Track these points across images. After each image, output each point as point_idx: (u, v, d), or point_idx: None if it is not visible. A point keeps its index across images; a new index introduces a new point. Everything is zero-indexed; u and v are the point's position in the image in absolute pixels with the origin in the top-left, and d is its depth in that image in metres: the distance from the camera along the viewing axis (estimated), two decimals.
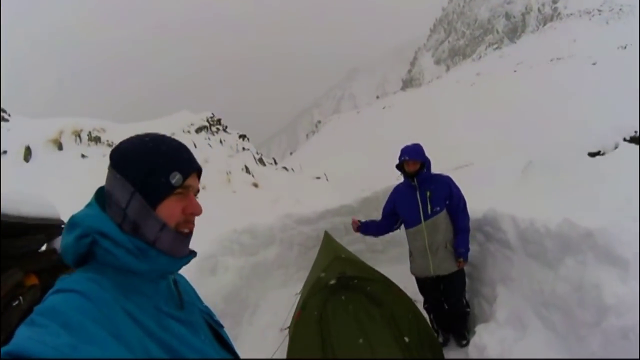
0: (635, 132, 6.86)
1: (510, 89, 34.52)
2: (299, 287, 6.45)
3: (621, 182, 4.29)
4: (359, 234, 7.68)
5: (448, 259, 4.90)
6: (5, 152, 9.86)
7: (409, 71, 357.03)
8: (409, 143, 5.11)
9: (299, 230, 8.74)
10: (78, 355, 0.91)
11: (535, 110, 22.63)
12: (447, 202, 4.92)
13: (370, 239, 8.40)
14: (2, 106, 12.22)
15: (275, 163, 23.87)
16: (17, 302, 2.92)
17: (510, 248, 4.53)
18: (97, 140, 12.44)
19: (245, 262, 7.54)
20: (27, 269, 3.10)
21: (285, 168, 22.31)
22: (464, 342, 5.09)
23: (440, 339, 5.28)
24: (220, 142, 19.87)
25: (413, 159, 4.85)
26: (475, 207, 5.27)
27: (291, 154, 69.88)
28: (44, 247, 3.42)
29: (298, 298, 5.85)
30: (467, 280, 5.32)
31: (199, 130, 19.47)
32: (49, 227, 3.19)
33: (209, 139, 19.10)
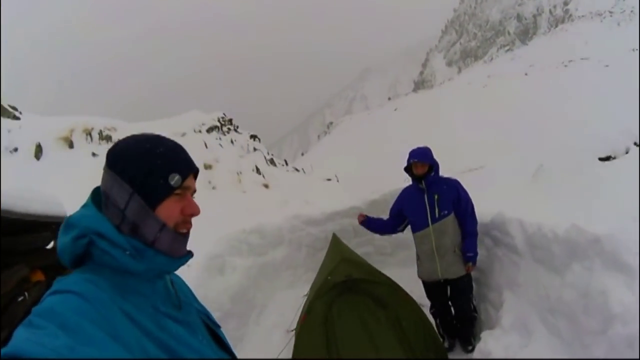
0: None
1: (521, 92, 34.28)
2: (306, 288, 6.45)
3: (631, 187, 4.24)
4: (367, 237, 7.69)
5: (456, 263, 4.86)
6: (16, 149, 9.93)
7: (421, 73, 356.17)
8: (418, 145, 5.11)
9: (308, 232, 8.73)
10: (76, 356, 0.91)
11: (547, 114, 22.45)
12: (455, 206, 4.89)
13: (379, 241, 8.39)
14: (5, 105, 12.29)
15: (286, 164, 23.88)
16: (22, 297, 2.95)
17: (517, 253, 4.49)
18: (108, 139, 12.51)
19: (253, 262, 7.55)
20: (33, 265, 3.14)
21: (296, 169, 22.31)
22: (470, 347, 5.06)
23: (446, 344, 5.25)
24: (232, 142, 19.88)
25: (421, 162, 4.83)
26: (483, 211, 5.24)
27: (302, 154, 69.86)
28: (51, 244, 3.45)
29: (305, 300, 5.85)
30: (474, 285, 5.29)
31: (210, 130, 19.48)
32: (56, 225, 3.21)
33: (220, 138, 19.11)
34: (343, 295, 4.90)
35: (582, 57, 45.78)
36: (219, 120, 21.27)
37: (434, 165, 4.90)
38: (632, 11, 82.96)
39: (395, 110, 57.46)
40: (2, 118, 11.58)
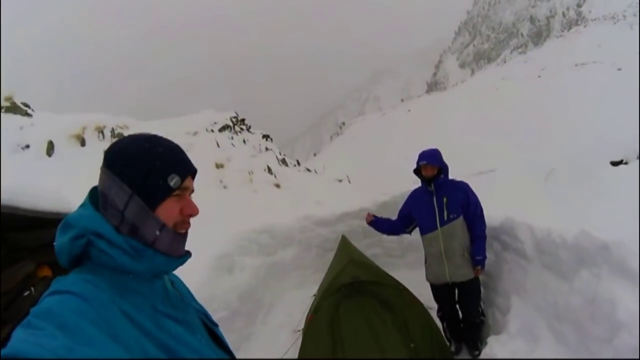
0: None
1: (534, 95, 33.94)
2: (315, 289, 6.46)
3: None
4: (376, 238, 7.69)
5: (464, 266, 4.84)
6: (28, 146, 9.98)
7: (434, 74, 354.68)
8: (430, 147, 5.09)
9: (318, 232, 8.75)
10: (75, 356, 0.91)
11: (559, 117, 22.24)
12: (464, 209, 4.87)
13: (388, 243, 8.39)
14: (17, 102, 12.36)
15: (298, 164, 23.81)
16: (28, 292, 2.97)
17: (526, 258, 4.46)
18: (120, 137, 12.54)
19: (263, 262, 7.58)
20: (40, 261, 3.18)
21: (307, 169, 22.23)
22: (476, 352, 5.03)
23: (453, 348, 5.24)
24: (244, 141, 19.85)
25: (431, 164, 4.82)
26: (493, 215, 5.21)
27: (315, 155, 69.76)
28: None
29: (312, 300, 5.85)
30: (482, 289, 5.27)
31: (222, 129, 19.47)
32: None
33: (232, 138, 19.08)
34: (350, 296, 4.91)
35: (594, 60, 45.35)
36: (231, 120, 21.25)
37: (443, 168, 4.88)
38: None
39: (408, 111, 57.17)
40: (14, 115, 11.63)
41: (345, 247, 6.35)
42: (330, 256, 6.75)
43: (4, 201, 2.69)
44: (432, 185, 4.88)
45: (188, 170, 1.39)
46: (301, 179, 17.83)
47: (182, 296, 1.48)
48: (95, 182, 1.35)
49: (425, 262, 5.19)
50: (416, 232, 5.37)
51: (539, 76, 46.24)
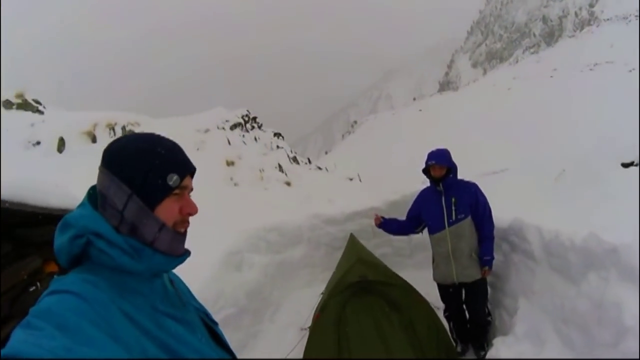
0: None
1: (546, 95, 33.83)
2: (323, 287, 6.44)
3: None
4: (386, 237, 7.67)
5: (471, 267, 4.81)
6: (39, 142, 10.04)
7: (446, 73, 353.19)
8: (442, 147, 5.07)
9: (327, 231, 8.73)
10: (74, 356, 0.91)
11: (571, 117, 22.13)
12: (473, 209, 4.83)
13: (397, 242, 8.36)
14: (29, 99, 12.47)
15: (310, 162, 23.81)
16: (34, 288, 3.00)
17: (534, 260, 4.42)
18: (130, 133, 12.58)
19: (271, 259, 7.59)
20: (47, 256, 3.21)
21: (319, 167, 22.24)
22: (482, 353, 5.00)
23: (459, 349, 5.23)
24: (255, 139, 19.88)
25: (439, 164, 4.78)
26: (502, 216, 5.17)
27: (326, 153, 69.86)
28: None
29: (320, 299, 5.85)
30: (490, 289, 5.24)
31: (233, 127, 19.51)
32: None
33: (243, 136, 19.11)
34: (357, 295, 4.91)
35: (607, 60, 45.10)
36: (242, 118, 21.30)
37: (452, 168, 4.85)
38: None
39: (419, 111, 57.17)
40: (25, 112, 11.72)
41: (353, 245, 6.35)
42: (339, 255, 6.74)
43: (12, 197, 2.71)
44: (441, 185, 4.85)
45: (187, 169, 1.39)
46: (312, 177, 17.83)
47: (181, 295, 1.48)
48: None
49: (433, 262, 5.17)
50: (426, 232, 5.35)
51: (551, 76, 46.04)
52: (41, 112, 12.30)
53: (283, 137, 23.86)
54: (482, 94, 49.11)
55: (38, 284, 3.06)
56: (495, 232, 4.92)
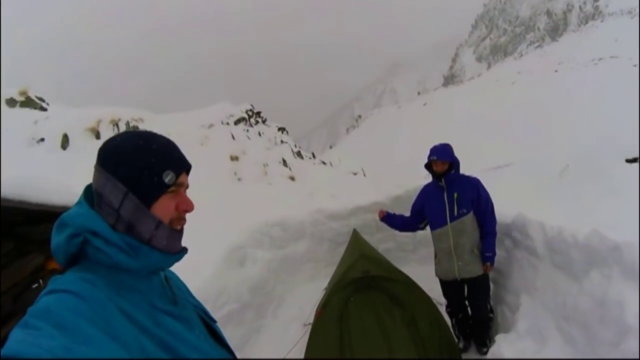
0: None
1: (550, 89, 33.71)
2: (326, 282, 6.44)
3: None
4: (389, 233, 7.65)
5: (473, 263, 4.80)
6: (42, 139, 10.07)
7: (451, 67, 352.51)
8: (447, 141, 5.06)
9: (330, 226, 8.72)
10: (72, 356, 0.91)
11: (575, 112, 22.04)
12: (475, 205, 4.81)
13: (400, 238, 8.36)
14: (32, 96, 12.50)
15: (314, 157, 23.82)
16: (36, 285, 3.01)
17: (537, 256, 4.40)
18: (135, 129, 12.60)
19: (275, 255, 7.60)
20: (49, 254, 3.22)
21: (323, 162, 22.23)
22: (485, 350, 5.01)
23: (461, 345, 5.22)
24: (259, 134, 19.89)
25: (441, 159, 4.76)
26: (505, 211, 5.15)
27: (331, 147, 69.94)
28: None
29: (323, 294, 5.85)
30: (492, 286, 5.22)
31: (237, 122, 19.52)
32: None
33: (247, 131, 19.12)
34: (360, 291, 4.90)
35: (611, 55, 44.89)
36: (247, 113, 21.30)
37: (454, 163, 4.83)
38: None
39: (424, 105, 57.12)
40: (29, 109, 11.76)
41: (356, 241, 6.34)
42: (342, 250, 6.73)
43: (14, 195, 2.72)
44: (443, 180, 4.84)
45: (182, 166, 1.38)
46: (316, 171, 17.84)
47: (179, 292, 1.48)
48: None
49: (435, 258, 5.16)
50: (428, 227, 5.34)
51: (556, 71, 45.86)
52: (45, 109, 12.33)
53: (287, 132, 23.87)
54: (486, 88, 49.03)
55: (40, 281, 3.08)
56: (498, 227, 4.90)
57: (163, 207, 1.32)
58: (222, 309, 5.54)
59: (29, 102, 12.22)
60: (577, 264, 3.61)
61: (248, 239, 7.23)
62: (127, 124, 12.73)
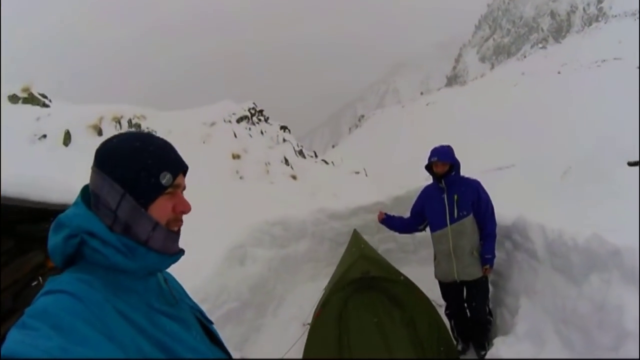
0: None
1: (553, 91, 33.63)
2: (327, 282, 6.45)
3: None
4: (390, 233, 7.63)
5: (472, 265, 4.79)
6: (45, 135, 10.08)
7: (454, 68, 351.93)
8: (449, 142, 5.06)
9: (331, 226, 8.72)
10: (69, 356, 0.91)
11: (577, 115, 21.96)
12: (475, 207, 4.80)
13: (401, 238, 8.34)
14: (35, 93, 12.53)
15: (316, 156, 23.82)
16: (36, 282, 3.02)
17: (537, 259, 4.39)
18: (137, 127, 12.63)
19: (275, 254, 7.61)
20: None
21: (324, 161, 22.23)
22: (483, 352, 4.98)
23: (459, 347, 5.22)
24: (261, 132, 19.89)
25: (442, 161, 4.76)
26: (506, 213, 5.14)
27: (333, 147, 69.94)
28: None
29: (322, 294, 5.86)
30: (491, 288, 5.22)
31: (240, 120, 19.51)
32: None
33: (249, 129, 19.11)
34: (359, 291, 4.91)
35: (615, 57, 44.78)
36: (249, 111, 21.30)
37: (455, 165, 4.82)
38: None
39: (427, 104, 57.09)
40: (31, 106, 11.78)
41: (356, 241, 6.34)
42: (343, 250, 6.75)
43: (15, 194, 2.73)
44: (443, 182, 4.83)
45: (179, 167, 1.39)
46: (318, 170, 17.85)
47: (176, 293, 1.48)
48: None
49: (434, 260, 5.16)
50: (428, 228, 5.34)
51: (559, 72, 45.75)
52: (47, 106, 12.34)
53: (289, 131, 23.85)
54: (489, 89, 48.97)
55: (40, 278, 3.09)
56: (498, 230, 4.90)
57: (160, 209, 1.32)
58: (222, 307, 5.56)
59: (31, 99, 12.24)
60: (576, 268, 3.60)
61: (249, 237, 7.24)
62: (130, 121, 12.73)
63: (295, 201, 11.01)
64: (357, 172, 19.90)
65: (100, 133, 11.09)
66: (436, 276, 5.16)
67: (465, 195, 4.79)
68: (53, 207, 3.00)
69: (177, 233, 1.40)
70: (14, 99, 11.84)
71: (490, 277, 5.09)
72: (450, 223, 4.80)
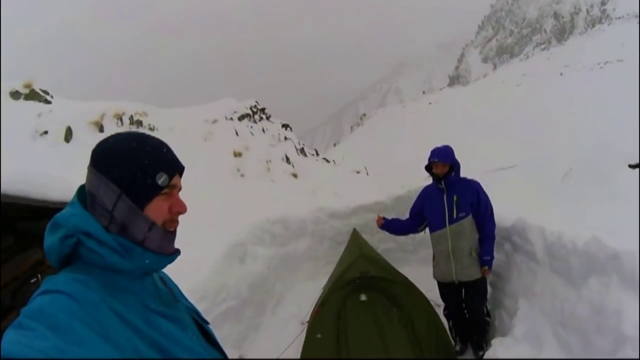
0: None
1: (555, 92, 33.66)
2: (326, 280, 6.45)
3: None
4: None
5: (471, 266, 4.79)
6: (46, 132, 10.09)
7: (456, 68, 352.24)
8: (449, 142, 5.06)
9: (331, 225, 8.74)
10: (65, 357, 0.91)
11: (579, 116, 21.96)
12: (474, 208, 4.80)
13: (401, 238, 8.34)
14: (36, 89, 12.53)
15: (317, 154, 23.82)
16: (35, 280, 3.02)
17: (536, 261, 4.39)
18: (138, 123, 12.62)
19: (275, 252, 7.62)
20: None
21: (326, 160, 22.22)
22: (481, 353, 4.98)
23: (457, 348, 5.22)
24: (263, 130, 19.87)
25: (442, 161, 4.76)
26: (505, 215, 5.15)
27: (335, 145, 70.00)
28: None
29: (321, 293, 5.86)
30: (490, 289, 5.22)
31: (241, 117, 19.50)
32: None
33: (251, 127, 19.10)
34: (358, 291, 4.91)
35: (618, 59, 44.75)
36: (251, 109, 21.29)
37: (454, 166, 4.82)
38: None
39: (429, 104, 57.13)
40: (33, 102, 11.78)
41: (356, 240, 6.35)
42: (342, 249, 6.74)
43: (15, 191, 2.74)
44: (443, 182, 4.83)
45: (176, 168, 1.38)
46: (319, 169, 17.84)
47: (172, 293, 1.48)
48: None
49: (433, 260, 5.16)
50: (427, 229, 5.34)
51: (561, 73, 45.77)
52: (49, 102, 12.33)
53: (291, 129, 23.83)
54: (491, 89, 48.99)
55: (39, 275, 3.09)
56: (497, 231, 4.90)
57: (156, 209, 1.32)
58: (221, 305, 5.56)
59: (33, 95, 12.24)
60: (575, 271, 3.60)
61: (249, 235, 7.24)
62: (131, 118, 12.72)
63: (296, 200, 11.00)
64: (358, 171, 19.89)
65: (101, 130, 11.09)
66: (435, 276, 5.16)
67: (465, 196, 4.79)
68: (53, 205, 3.00)
69: (174, 233, 1.39)
70: (15, 95, 11.84)
71: (489, 278, 5.10)
72: (449, 224, 4.80)
